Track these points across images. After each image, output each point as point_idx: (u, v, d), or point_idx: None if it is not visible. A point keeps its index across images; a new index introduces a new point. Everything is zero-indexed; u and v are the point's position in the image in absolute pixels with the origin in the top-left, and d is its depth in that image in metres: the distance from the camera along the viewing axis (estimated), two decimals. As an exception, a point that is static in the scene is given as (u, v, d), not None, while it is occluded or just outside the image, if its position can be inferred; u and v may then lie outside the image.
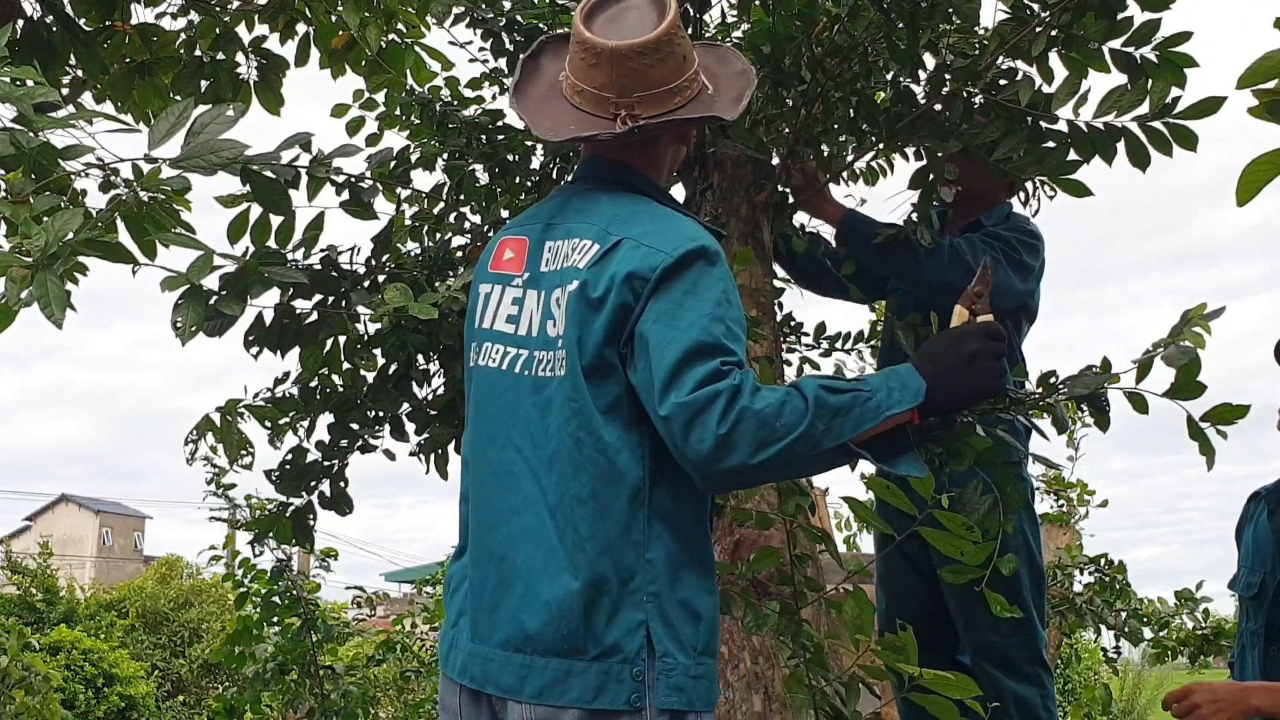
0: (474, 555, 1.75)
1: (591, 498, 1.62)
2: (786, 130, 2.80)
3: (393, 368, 2.74)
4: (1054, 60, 2.48)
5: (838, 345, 3.42)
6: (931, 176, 2.60)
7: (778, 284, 2.96)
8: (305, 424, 2.82)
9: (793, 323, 3.33)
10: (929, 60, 2.63)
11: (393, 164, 2.85)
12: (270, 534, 2.99)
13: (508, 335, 1.77)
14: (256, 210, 2.21)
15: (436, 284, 2.75)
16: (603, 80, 1.75)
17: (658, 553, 1.62)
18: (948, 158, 2.59)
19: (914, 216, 2.72)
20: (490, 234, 2.85)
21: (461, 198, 2.96)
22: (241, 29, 3.70)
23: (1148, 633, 4.93)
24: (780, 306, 3.02)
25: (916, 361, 1.75)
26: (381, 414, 2.80)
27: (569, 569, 1.61)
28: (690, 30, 2.75)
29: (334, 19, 3.61)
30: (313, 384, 2.76)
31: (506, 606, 1.67)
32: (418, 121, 3.12)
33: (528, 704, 1.62)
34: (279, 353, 2.54)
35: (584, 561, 1.61)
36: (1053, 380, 2.19)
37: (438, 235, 2.92)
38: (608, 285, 1.64)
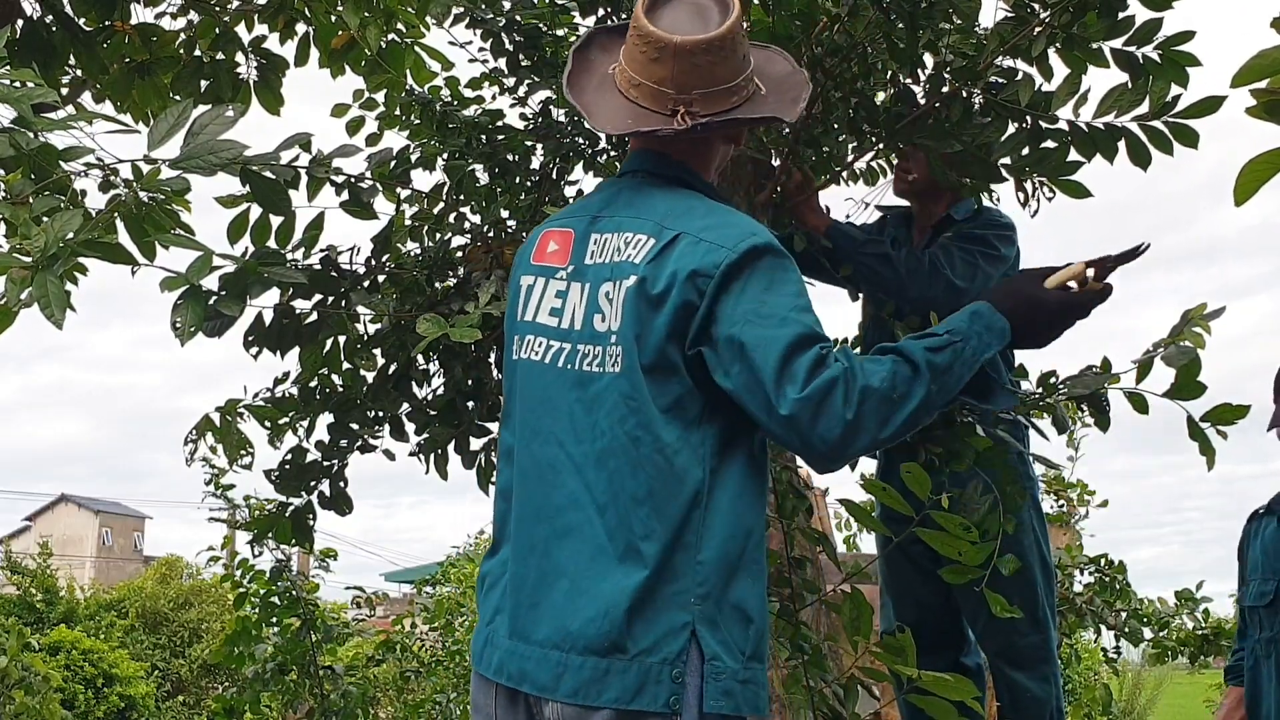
0: (515, 551, 1.71)
1: (649, 497, 1.59)
2: (786, 130, 2.80)
3: (393, 368, 2.74)
4: (1054, 59, 2.48)
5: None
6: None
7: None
8: (305, 424, 2.81)
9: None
10: (929, 60, 2.63)
11: (392, 164, 2.84)
12: (269, 534, 2.99)
13: (550, 328, 1.74)
14: (256, 210, 2.21)
15: (436, 284, 2.75)
16: (662, 75, 1.72)
17: (710, 554, 1.60)
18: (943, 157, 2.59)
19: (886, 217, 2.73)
20: (490, 234, 2.85)
21: (461, 198, 2.95)
22: (241, 29, 3.70)
23: (1148, 633, 4.93)
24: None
25: (997, 299, 1.77)
26: (381, 414, 2.80)
27: (619, 568, 1.59)
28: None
29: (334, 19, 3.61)
30: (312, 384, 2.76)
31: (549, 603, 1.64)
32: (418, 121, 3.12)
33: (559, 703, 1.59)
34: (279, 353, 2.54)
35: (635, 561, 1.58)
36: (1053, 380, 2.20)
37: (438, 235, 2.91)
38: (669, 282, 1.62)
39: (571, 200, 2.96)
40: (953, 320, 1.74)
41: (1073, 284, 1.81)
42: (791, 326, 1.59)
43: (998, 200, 2.92)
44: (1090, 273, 1.82)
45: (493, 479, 2.84)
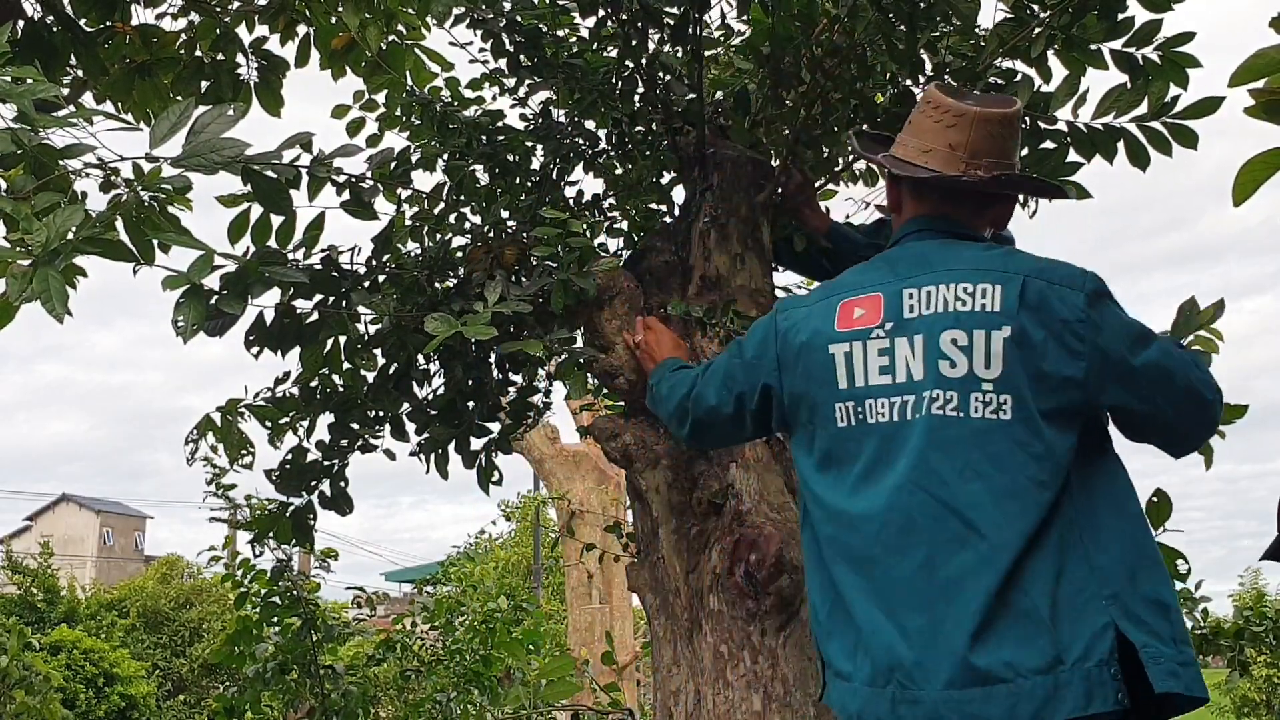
0: (902, 604, 1.71)
1: (1040, 530, 1.66)
2: (786, 131, 2.80)
3: (393, 368, 2.74)
4: (1053, 60, 2.48)
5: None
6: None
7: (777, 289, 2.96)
8: (305, 424, 2.81)
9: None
10: (928, 61, 2.63)
11: (393, 164, 2.85)
12: (270, 534, 2.99)
13: (887, 386, 1.79)
14: (257, 210, 2.22)
15: (436, 284, 2.75)
16: (958, 140, 1.87)
17: (1106, 559, 1.67)
18: None
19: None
20: (490, 234, 2.85)
21: (461, 198, 2.95)
22: (241, 30, 3.70)
23: (1148, 633, 4.92)
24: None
25: None
26: (381, 414, 2.80)
27: (1023, 596, 1.64)
28: (690, 30, 2.75)
29: (334, 20, 3.61)
30: (313, 384, 2.76)
31: (960, 643, 1.65)
32: (418, 122, 3.12)
33: None
34: (279, 352, 2.54)
35: (1039, 588, 1.64)
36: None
37: (438, 235, 2.91)
38: (1044, 330, 1.72)
39: (571, 201, 2.96)
40: None
41: None
42: (1161, 342, 1.76)
43: None
44: None
45: (494, 479, 2.84)
